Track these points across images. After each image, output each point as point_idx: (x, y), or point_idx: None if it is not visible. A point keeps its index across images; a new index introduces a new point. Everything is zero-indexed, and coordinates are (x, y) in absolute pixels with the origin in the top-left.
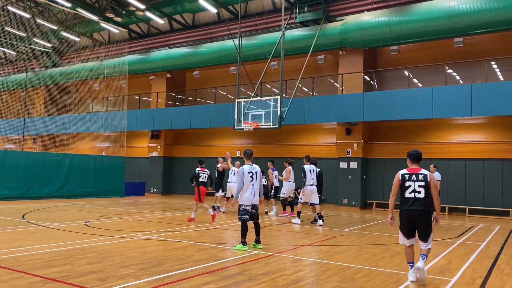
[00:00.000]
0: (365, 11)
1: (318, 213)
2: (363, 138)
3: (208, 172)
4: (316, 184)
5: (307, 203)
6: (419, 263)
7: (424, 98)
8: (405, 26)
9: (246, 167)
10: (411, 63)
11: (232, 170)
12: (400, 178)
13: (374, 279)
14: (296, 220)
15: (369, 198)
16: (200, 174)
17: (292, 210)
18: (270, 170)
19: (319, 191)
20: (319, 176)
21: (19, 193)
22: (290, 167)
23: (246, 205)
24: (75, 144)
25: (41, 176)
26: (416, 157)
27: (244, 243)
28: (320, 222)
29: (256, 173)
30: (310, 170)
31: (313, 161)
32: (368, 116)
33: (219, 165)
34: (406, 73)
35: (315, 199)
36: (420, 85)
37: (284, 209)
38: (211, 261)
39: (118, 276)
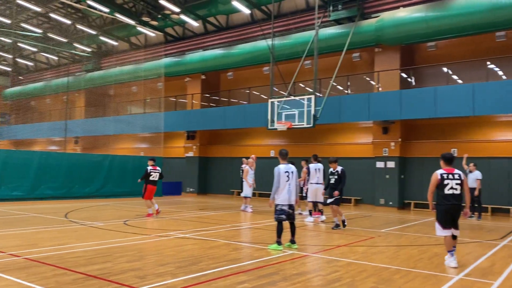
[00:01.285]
0: (401, 7)
1: (310, 210)
2: (401, 137)
3: (160, 170)
4: (321, 182)
5: (318, 202)
6: (454, 263)
7: (464, 95)
8: (443, 21)
9: (282, 166)
10: (450, 59)
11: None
12: (439, 177)
13: (412, 281)
14: (309, 219)
15: (407, 198)
16: (152, 173)
17: (315, 210)
18: (304, 170)
19: (341, 190)
20: (341, 175)
21: (62, 193)
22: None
23: (283, 205)
24: (115, 145)
25: (82, 176)
26: (450, 159)
27: (279, 243)
28: (310, 218)
29: (292, 172)
30: (316, 169)
31: (333, 159)
32: (405, 114)
33: (243, 166)
34: (445, 69)
35: (320, 197)
36: (460, 81)
37: (315, 210)
38: (246, 261)
39: (156, 274)
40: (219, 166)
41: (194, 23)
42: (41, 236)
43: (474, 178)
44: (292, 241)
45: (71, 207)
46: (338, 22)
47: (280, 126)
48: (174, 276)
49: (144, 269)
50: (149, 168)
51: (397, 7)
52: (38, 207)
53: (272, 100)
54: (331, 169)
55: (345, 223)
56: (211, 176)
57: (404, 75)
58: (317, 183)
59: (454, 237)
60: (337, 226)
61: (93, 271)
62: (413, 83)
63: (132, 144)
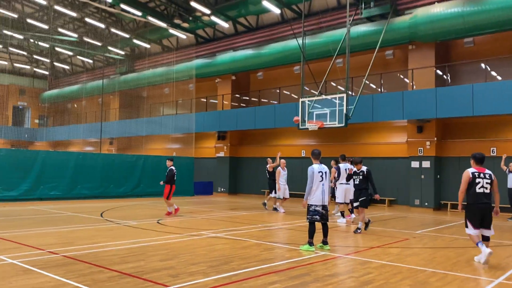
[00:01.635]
0: (435, 3)
1: (342, 212)
2: (436, 136)
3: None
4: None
5: (347, 202)
6: (489, 250)
7: (503, 92)
8: (480, 16)
9: (316, 166)
10: (488, 55)
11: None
12: (471, 176)
13: (449, 284)
14: (342, 220)
15: (443, 199)
16: (175, 173)
17: (351, 212)
18: (333, 169)
19: (374, 190)
20: (368, 176)
21: (97, 193)
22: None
23: (317, 206)
24: (148, 146)
25: (117, 176)
26: (481, 159)
27: (311, 243)
28: (343, 219)
29: (325, 172)
30: (346, 169)
31: (358, 160)
32: (441, 113)
33: (268, 166)
34: (483, 65)
35: (348, 198)
36: (499, 78)
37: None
38: (277, 261)
39: (188, 272)
40: (249, 166)
41: (224, 24)
42: (78, 234)
43: None
44: (325, 242)
45: (106, 206)
46: (370, 19)
47: (311, 125)
48: (206, 276)
49: (177, 267)
50: (174, 168)
51: (432, 3)
52: (75, 206)
53: (303, 99)
54: (355, 169)
55: (368, 226)
56: (242, 176)
57: (439, 72)
58: (347, 184)
59: (487, 238)
60: (358, 229)
61: (127, 269)
62: (449, 81)
63: (165, 145)
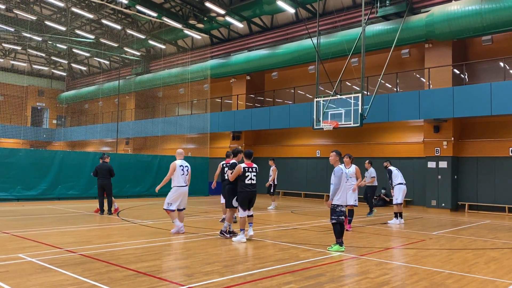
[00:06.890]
0: (453, 1)
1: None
2: (454, 136)
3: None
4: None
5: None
6: (245, 239)
7: None
8: (499, 13)
9: (343, 167)
10: (507, 53)
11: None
12: (242, 170)
13: (466, 286)
14: (399, 220)
15: (460, 199)
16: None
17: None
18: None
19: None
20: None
21: (114, 192)
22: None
23: (342, 206)
24: (163, 146)
25: (133, 176)
26: (250, 155)
27: (341, 243)
28: (396, 220)
29: (346, 173)
30: (397, 169)
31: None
32: (458, 112)
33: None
34: (502, 64)
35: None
36: None
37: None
38: (292, 261)
39: (203, 272)
40: (264, 166)
41: (239, 25)
42: (95, 233)
43: None
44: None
45: (123, 206)
46: (386, 18)
47: (326, 125)
48: (221, 275)
49: (192, 267)
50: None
51: (449, 0)
52: (92, 205)
53: (318, 99)
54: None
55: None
56: (256, 176)
57: (456, 71)
58: (403, 184)
59: (250, 216)
60: (226, 232)
61: (143, 268)
62: (466, 80)
63: (180, 145)
